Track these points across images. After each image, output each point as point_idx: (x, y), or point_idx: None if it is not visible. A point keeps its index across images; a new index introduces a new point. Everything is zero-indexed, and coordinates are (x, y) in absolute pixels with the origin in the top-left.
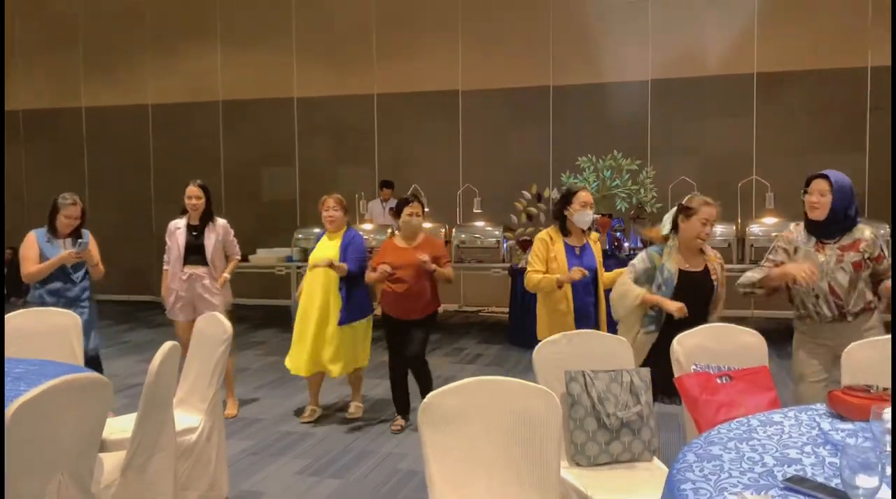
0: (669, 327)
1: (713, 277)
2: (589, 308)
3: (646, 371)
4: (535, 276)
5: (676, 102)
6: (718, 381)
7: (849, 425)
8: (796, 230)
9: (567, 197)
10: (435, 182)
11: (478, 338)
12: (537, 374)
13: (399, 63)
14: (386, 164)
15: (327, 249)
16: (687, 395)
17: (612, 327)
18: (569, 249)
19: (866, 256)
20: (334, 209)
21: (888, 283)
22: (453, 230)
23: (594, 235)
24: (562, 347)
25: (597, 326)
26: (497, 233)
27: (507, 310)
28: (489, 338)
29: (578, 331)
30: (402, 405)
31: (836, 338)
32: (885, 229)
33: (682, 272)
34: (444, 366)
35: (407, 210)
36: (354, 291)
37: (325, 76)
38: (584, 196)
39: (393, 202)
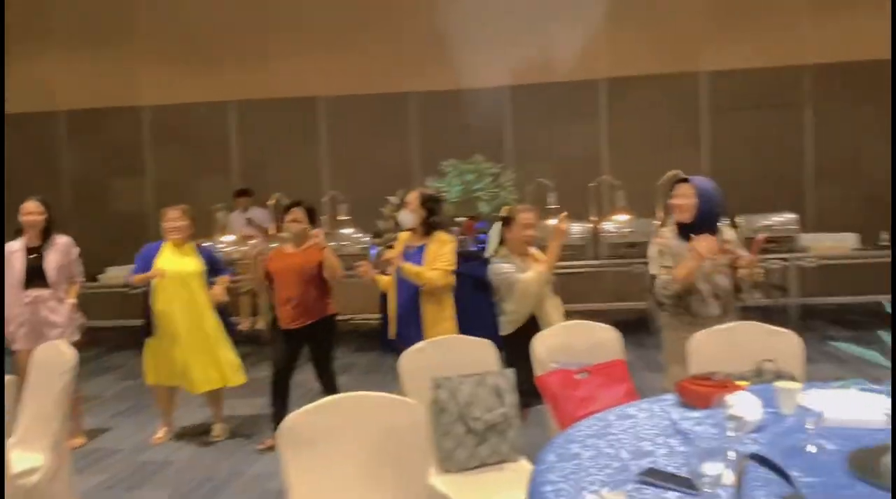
0: (526, 328)
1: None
2: (409, 311)
3: (510, 372)
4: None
5: (532, 107)
6: (577, 377)
7: (696, 414)
8: (669, 235)
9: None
10: (298, 190)
11: (351, 346)
12: (404, 383)
13: (255, 68)
14: (245, 173)
15: (181, 261)
16: (548, 393)
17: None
18: (406, 249)
19: (733, 257)
20: (181, 219)
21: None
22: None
23: (441, 235)
24: (427, 354)
25: (420, 331)
26: (366, 239)
27: (377, 316)
28: (362, 345)
29: (443, 337)
30: (279, 420)
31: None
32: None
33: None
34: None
35: (288, 217)
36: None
37: (176, 82)
38: (408, 196)
39: (254, 212)
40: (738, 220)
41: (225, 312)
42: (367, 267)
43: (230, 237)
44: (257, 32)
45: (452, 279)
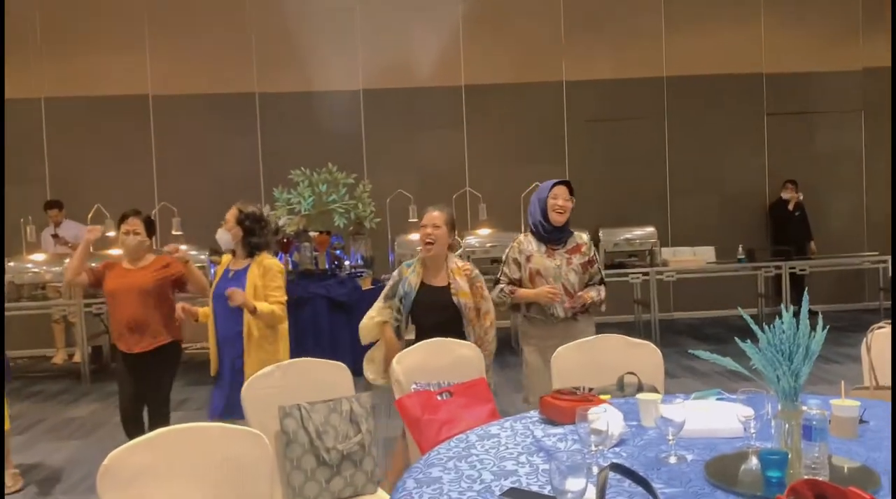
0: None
1: (453, 289)
2: (234, 340)
3: (366, 397)
4: None
5: (390, 114)
6: (439, 398)
7: (559, 430)
8: (525, 240)
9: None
10: (123, 201)
11: (183, 380)
12: (247, 414)
13: (73, 62)
14: (60, 181)
15: None
16: (408, 416)
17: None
18: (225, 273)
19: (586, 259)
20: None
21: (591, 292)
22: None
23: (266, 259)
24: (275, 381)
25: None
26: (203, 257)
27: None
28: (197, 379)
29: (293, 360)
30: None
31: (567, 337)
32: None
33: (423, 286)
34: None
35: (123, 227)
36: None
37: None
38: (227, 214)
39: (67, 226)
40: (600, 233)
41: None
42: (182, 305)
43: (40, 256)
44: (77, 18)
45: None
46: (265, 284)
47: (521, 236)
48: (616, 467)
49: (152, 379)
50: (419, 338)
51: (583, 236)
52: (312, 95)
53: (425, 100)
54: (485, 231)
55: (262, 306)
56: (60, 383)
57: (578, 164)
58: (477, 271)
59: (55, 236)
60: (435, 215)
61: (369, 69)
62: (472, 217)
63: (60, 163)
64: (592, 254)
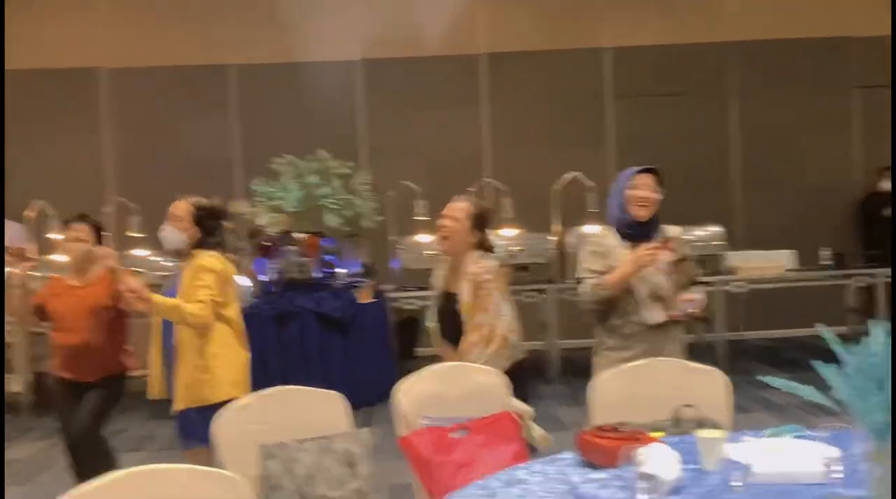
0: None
1: (458, 297)
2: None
3: (366, 433)
4: None
5: (393, 90)
6: (454, 435)
7: (600, 474)
8: (604, 234)
9: None
10: (70, 196)
11: (145, 412)
12: (220, 454)
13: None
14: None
15: None
16: (417, 458)
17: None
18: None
19: (677, 256)
20: None
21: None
22: None
23: (203, 257)
24: (253, 414)
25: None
26: (170, 264)
27: None
28: (162, 411)
29: (275, 388)
30: None
31: (650, 348)
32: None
33: (444, 293)
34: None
35: (66, 235)
36: None
37: None
38: (175, 207)
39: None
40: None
41: None
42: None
43: None
44: None
45: (212, 317)
46: (190, 283)
47: (599, 229)
48: None
49: (84, 411)
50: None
51: (672, 229)
52: (299, 67)
53: (436, 72)
54: (509, 232)
55: (159, 298)
56: None
57: (622, 149)
58: (488, 275)
59: None
60: (456, 206)
61: (369, 35)
62: (493, 214)
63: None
64: (686, 250)
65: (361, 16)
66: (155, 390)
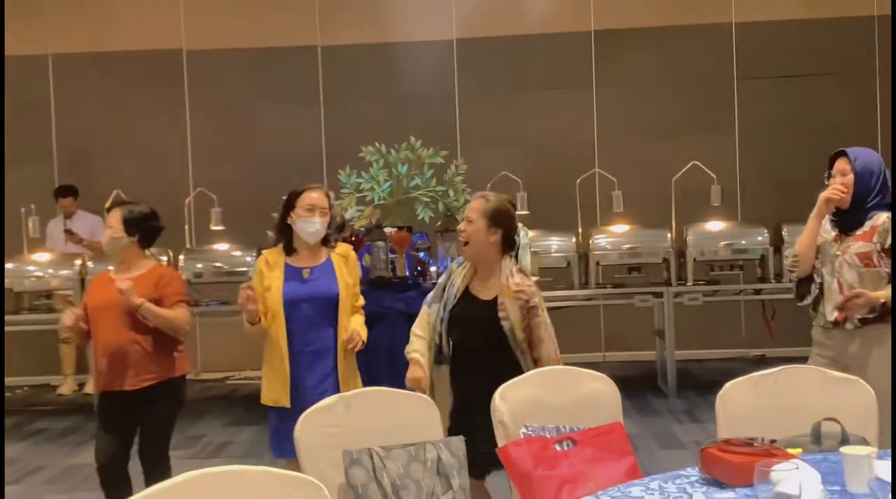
0: (461, 367)
1: (501, 314)
2: (318, 367)
3: (458, 442)
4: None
5: (492, 71)
6: (558, 447)
7: (729, 494)
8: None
9: (290, 200)
10: (149, 187)
11: (225, 418)
12: (301, 458)
13: (85, 10)
14: (70, 160)
15: None
16: (516, 470)
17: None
18: (291, 273)
19: (878, 246)
20: None
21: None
22: (181, 257)
23: (343, 248)
24: (337, 416)
25: (336, 384)
26: (248, 259)
27: None
28: (243, 417)
29: (361, 389)
30: None
31: (839, 351)
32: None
33: (466, 294)
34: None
35: (108, 221)
36: None
37: None
38: (311, 197)
39: (81, 219)
40: (784, 232)
41: None
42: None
43: (45, 255)
44: None
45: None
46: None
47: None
48: None
49: (141, 427)
50: (456, 363)
51: (881, 217)
52: (390, 48)
53: (540, 52)
54: (620, 227)
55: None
56: (68, 419)
57: (754, 135)
58: (537, 299)
59: (68, 232)
60: (471, 205)
61: (465, 12)
62: (602, 208)
63: (71, 138)
64: (889, 238)
65: None
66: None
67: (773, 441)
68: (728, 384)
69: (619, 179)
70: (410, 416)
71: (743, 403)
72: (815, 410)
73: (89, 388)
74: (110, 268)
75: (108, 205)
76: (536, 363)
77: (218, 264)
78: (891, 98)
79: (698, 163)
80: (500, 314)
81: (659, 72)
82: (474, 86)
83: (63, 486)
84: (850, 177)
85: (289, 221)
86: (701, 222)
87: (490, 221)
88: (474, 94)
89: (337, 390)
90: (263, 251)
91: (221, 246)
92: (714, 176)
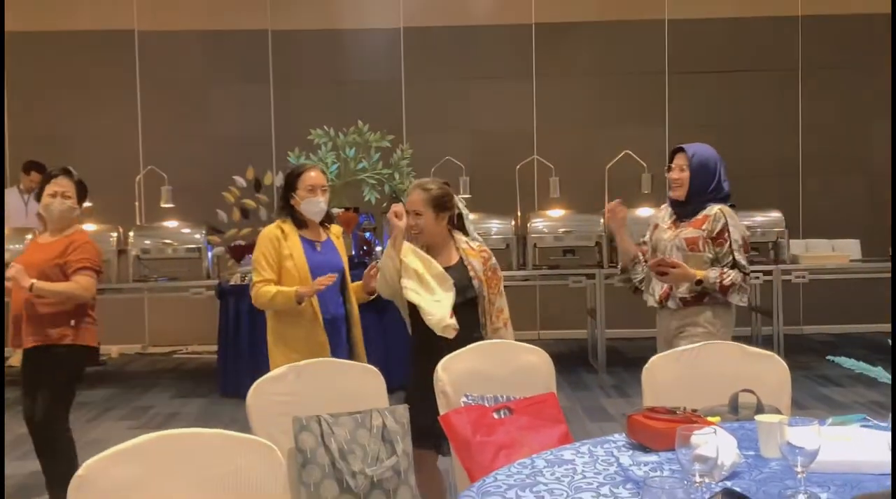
0: (427, 344)
1: (471, 273)
2: (339, 325)
3: (402, 410)
4: (267, 288)
5: (437, 60)
6: (495, 415)
7: (653, 457)
8: (663, 206)
9: (291, 180)
10: (103, 164)
11: (171, 391)
12: (253, 424)
13: None
14: (22, 136)
15: None
16: (457, 437)
17: (373, 350)
18: (307, 245)
19: (706, 233)
20: None
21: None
22: (130, 234)
23: (336, 228)
24: (288, 385)
25: (350, 349)
26: (198, 237)
27: (215, 347)
28: (190, 389)
29: (310, 360)
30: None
31: (664, 328)
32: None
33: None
34: (120, 435)
35: (49, 189)
36: None
37: None
38: (312, 177)
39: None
40: None
41: None
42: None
43: None
44: None
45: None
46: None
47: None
48: (731, 495)
49: (37, 396)
50: (418, 336)
51: (714, 208)
52: (339, 35)
53: (484, 42)
54: (556, 212)
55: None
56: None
57: (682, 127)
58: (494, 259)
59: (40, 215)
60: (412, 199)
61: (413, 2)
62: (540, 194)
63: (23, 115)
64: (720, 228)
65: None
66: None
67: (694, 411)
68: (653, 357)
69: (556, 166)
70: (357, 386)
71: (667, 375)
72: (734, 382)
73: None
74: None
75: (52, 171)
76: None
77: (167, 241)
78: (891, 98)
79: (630, 152)
80: (470, 273)
81: (595, 65)
82: (420, 73)
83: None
84: (688, 174)
85: (291, 201)
86: (632, 208)
87: (435, 209)
88: (420, 82)
89: (350, 354)
90: (277, 221)
91: (171, 223)
92: (645, 165)
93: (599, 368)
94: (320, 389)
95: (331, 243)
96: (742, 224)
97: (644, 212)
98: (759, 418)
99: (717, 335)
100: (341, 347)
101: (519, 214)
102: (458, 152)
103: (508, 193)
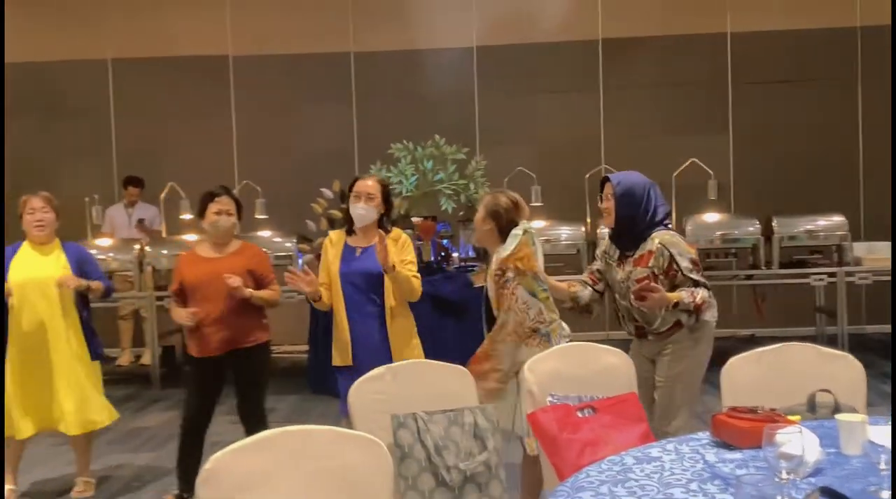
0: None
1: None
2: (371, 330)
3: (492, 409)
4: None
5: (509, 76)
6: (579, 414)
7: (737, 455)
8: (606, 241)
9: (349, 188)
10: (200, 178)
11: (267, 388)
12: (355, 421)
13: (142, 19)
14: (129, 154)
15: (44, 265)
16: (544, 435)
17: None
18: (347, 252)
19: (655, 270)
20: (43, 211)
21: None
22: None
23: (395, 232)
24: (385, 385)
25: (388, 345)
26: (289, 245)
27: (305, 347)
28: (283, 386)
29: (405, 361)
30: (190, 477)
31: (643, 356)
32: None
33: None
34: (223, 429)
35: (213, 207)
36: (89, 319)
37: (31, 34)
38: (361, 184)
39: (142, 209)
40: (774, 223)
41: (89, 327)
42: (301, 276)
43: (106, 241)
44: None
45: None
46: (401, 256)
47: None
48: (829, 493)
49: (241, 386)
50: None
51: (655, 241)
52: (416, 55)
53: (553, 58)
54: None
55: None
56: (128, 387)
57: (746, 136)
58: (500, 271)
59: (140, 222)
60: (477, 217)
61: (485, 22)
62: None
63: (129, 134)
64: (667, 263)
65: (478, 3)
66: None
67: (772, 410)
68: (732, 359)
69: None
70: (449, 385)
71: (745, 375)
72: (810, 382)
73: (146, 359)
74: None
75: (216, 190)
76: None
77: (262, 249)
78: (891, 98)
79: (696, 160)
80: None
81: (660, 77)
82: (493, 89)
83: (127, 446)
84: (610, 204)
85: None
86: (698, 214)
87: (492, 219)
88: (493, 97)
89: (389, 349)
90: (330, 232)
91: (264, 233)
92: (711, 172)
93: None
94: (415, 388)
95: (372, 249)
96: (683, 242)
97: (711, 217)
98: (839, 416)
99: (701, 342)
100: (380, 343)
101: (588, 220)
102: (529, 163)
103: (578, 200)
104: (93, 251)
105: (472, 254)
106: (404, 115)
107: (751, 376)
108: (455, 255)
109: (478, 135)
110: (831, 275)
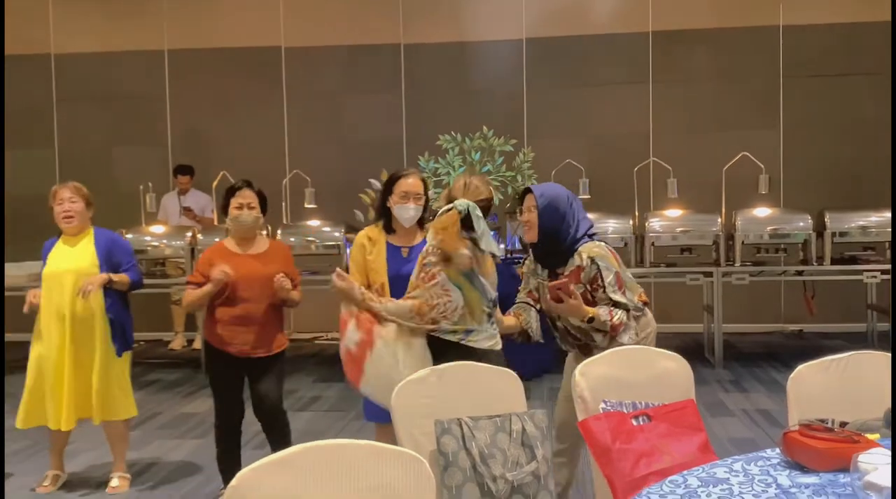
0: None
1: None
2: None
3: (541, 415)
4: None
5: (558, 68)
6: (634, 422)
7: (813, 479)
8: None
9: (388, 185)
10: (251, 168)
11: (314, 375)
12: (397, 427)
13: (198, 11)
14: (182, 143)
15: (72, 257)
16: (596, 444)
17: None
18: (392, 251)
19: (586, 287)
20: (71, 201)
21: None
22: (279, 232)
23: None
24: (430, 388)
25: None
26: (337, 234)
27: None
28: (329, 374)
29: (451, 363)
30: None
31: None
32: (601, 259)
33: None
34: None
35: (234, 201)
36: (123, 312)
37: (92, 25)
38: (407, 184)
39: (194, 197)
40: (826, 219)
41: (119, 321)
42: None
43: (160, 228)
44: None
45: None
46: None
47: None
48: None
49: (272, 386)
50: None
51: (583, 255)
52: (466, 47)
53: (602, 50)
54: (673, 212)
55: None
56: (178, 371)
57: (797, 130)
58: (426, 258)
59: (186, 209)
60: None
61: (534, 14)
62: (656, 194)
63: (183, 125)
64: (594, 276)
65: None
66: None
67: (843, 424)
68: (800, 367)
69: (673, 168)
70: (497, 389)
71: (813, 385)
72: (882, 393)
73: (197, 344)
74: (218, 240)
75: (237, 184)
76: None
77: (310, 238)
78: (891, 98)
79: (748, 154)
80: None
81: (710, 70)
82: (541, 81)
83: (176, 431)
84: (533, 216)
85: (388, 204)
86: (749, 208)
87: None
88: (541, 89)
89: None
90: (364, 228)
91: (313, 222)
92: (762, 166)
93: (716, 363)
94: (461, 391)
95: (418, 249)
96: (612, 256)
97: (761, 212)
98: None
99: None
100: None
101: (637, 213)
102: (577, 156)
103: (626, 193)
104: (146, 238)
105: (518, 246)
106: (453, 107)
107: (819, 386)
108: (502, 246)
109: (526, 127)
110: (885, 272)
